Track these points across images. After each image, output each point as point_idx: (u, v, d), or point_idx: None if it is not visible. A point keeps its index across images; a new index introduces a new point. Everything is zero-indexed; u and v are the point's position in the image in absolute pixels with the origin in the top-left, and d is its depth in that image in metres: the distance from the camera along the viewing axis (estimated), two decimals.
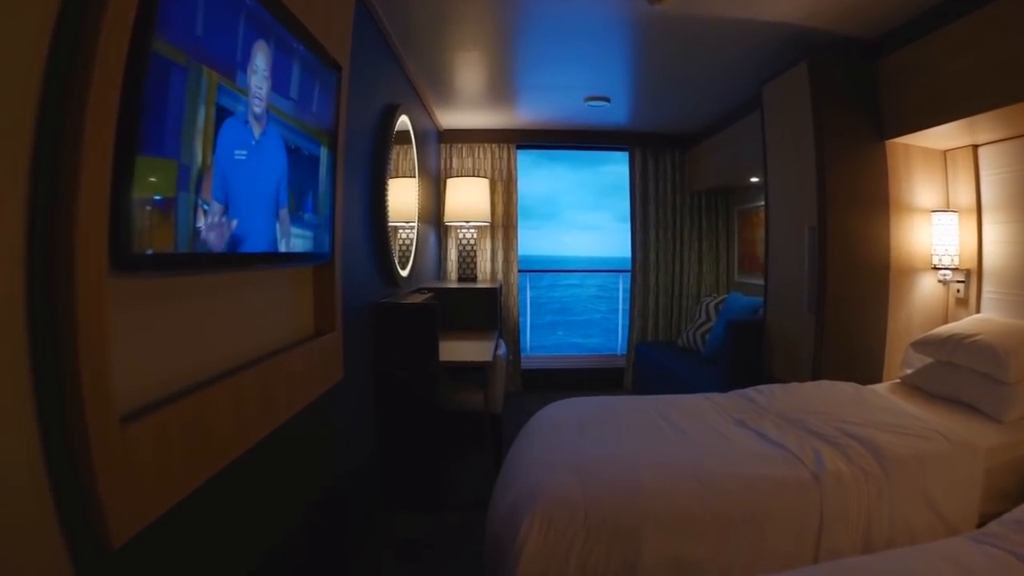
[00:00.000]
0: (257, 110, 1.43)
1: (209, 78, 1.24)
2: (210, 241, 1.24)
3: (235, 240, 1.34)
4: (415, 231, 3.84)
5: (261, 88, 1.44)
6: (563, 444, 1.92)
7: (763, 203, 4.76)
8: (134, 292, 1.11)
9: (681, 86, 4.01)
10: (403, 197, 3.79)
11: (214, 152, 1.26)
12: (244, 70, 1.38)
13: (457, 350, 3.26)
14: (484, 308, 4.03)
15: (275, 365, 1.57)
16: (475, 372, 3.25)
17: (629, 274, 5.67)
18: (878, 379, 2.88)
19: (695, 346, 4.82)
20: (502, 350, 3.45)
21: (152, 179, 1.09)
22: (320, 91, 1.86)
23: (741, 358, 3.44)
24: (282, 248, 1.58)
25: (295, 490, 1.86)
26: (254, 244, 1.43)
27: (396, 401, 2.87)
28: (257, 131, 1.44)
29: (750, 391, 2.47)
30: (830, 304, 2.70)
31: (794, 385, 2.49)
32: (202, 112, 1.22)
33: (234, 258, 1.36)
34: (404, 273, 3.43)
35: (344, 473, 2.46)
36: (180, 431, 1.18)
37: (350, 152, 2.52)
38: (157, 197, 1.11)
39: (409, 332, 2.83)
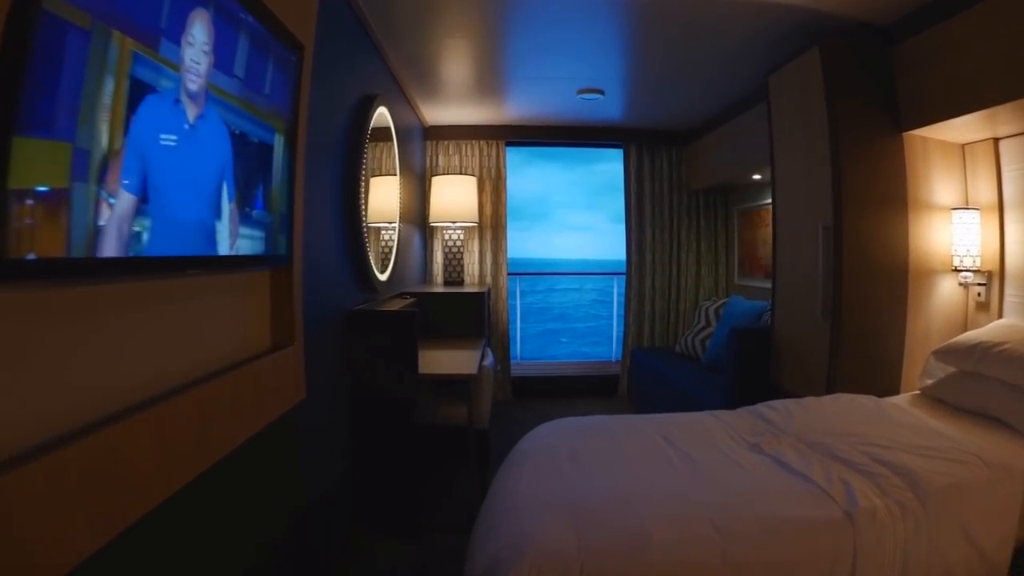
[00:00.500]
0: (192, 87, 1.21)
1: (121, 46, 1.02)
2: (118, 243, 1.02)
3: (156, 242, 1.12)
4: (397, 232, 3.62)
5: (199, 63, 1.22)
6: (554, 478, 1.68)
7: (766, 202, 4.60)
8: (15, 307, 0.89)
9: (679, 77, 3.81)
10: (385, 196, 3.58)
11: (126, 135, 1.04)
12: (176, 41, 1.16)
13: (440, 361, 3.04)
14: (470, 314, 3.82)
15: (216, 389, 1.35)
16: (459, 384, 3.04)
17: (624, 277, 5.47)
18: (896, 390, 2.69)
19: (694, 353, 4.62)
20: (489, 360, 3.24)
21: (36, 166, 0.88)
22: (276, 71, 1.64)
23: (746, 368, 3.24)
24: (224, 251, 1.36)
25: (249, 527, 1.64)
26: (184, 246, 1.21)
27: (372, 417, 2.65)
28: (192, 113, 1.22)
29: (762, 408, 2.26)
30: (847, 310, 2.50)
31: (810, 400, 2.28)
32: (109, 86, 1.00)
33: (153, 263, 1.13)
34: (383, 277, 3.21)
35: (315, 499, 2.25)
36: (80, 478, 0.96)
37: (319, 145, 2.31)
38: (42, 188, 0.89)
39: (386, 342, 2.61)
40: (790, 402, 2.25)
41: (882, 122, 2.62)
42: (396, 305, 3.18)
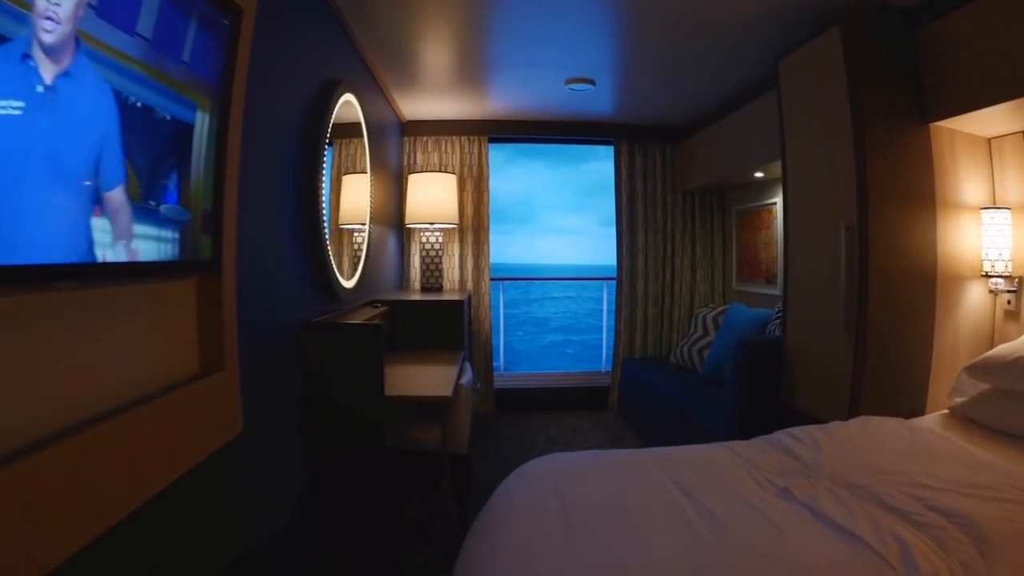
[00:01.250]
0: (49, 39, 0.92)
1: None
2: None
3: None
4: (367, 234, 3.33)
5: (58, 4, 0.93)
6: (540, 550, 1.34)
7: (768, 202, 4.37)
8: None
9: (676, 65, 3.55)
10: (359, 196, 3.30)
11: None
12: None
13: (411, 379, 2.75)
14: (448, 324, 3.53)
15: (102, 436, 1.06)
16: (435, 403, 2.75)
17: (614, 282, 5.20)
18: (921, 410, 2.43)
19: (691, 364, 4.36)
20: (468, 376, 2.96)
21: None
22: (201, 36, 1.35)
23: (754, 383, 2.96)
24: (110, 256, 1.06)
25: None
26: (40, 251, 0.92)
27: (334, 444, 2.36)
28: (50, 72, 0.92)
29: (783, 438, 1.97)
30: (873, 321, 2.25)
31: (836, 426, 2.01)
32: None
33: None
34: (349, 284, 2.92)
35: (262, 541, 1.95)
36: None
37: (269, 132, 2.01)
38: None
39: (347, 359, 2.31)
40: (814, 429, 1.97)
41: (908, 111, 2.37)
42: (363, 315, 2.89)
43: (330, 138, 2.65)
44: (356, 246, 3.29)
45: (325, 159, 2.51)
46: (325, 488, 2.38)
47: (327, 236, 2.54)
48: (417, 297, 3.79)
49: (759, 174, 4.05)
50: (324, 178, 2.50)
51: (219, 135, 1.44)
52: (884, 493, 1.49)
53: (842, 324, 2.35)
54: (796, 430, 1.99)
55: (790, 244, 2.88)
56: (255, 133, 1.84)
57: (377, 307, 3.39)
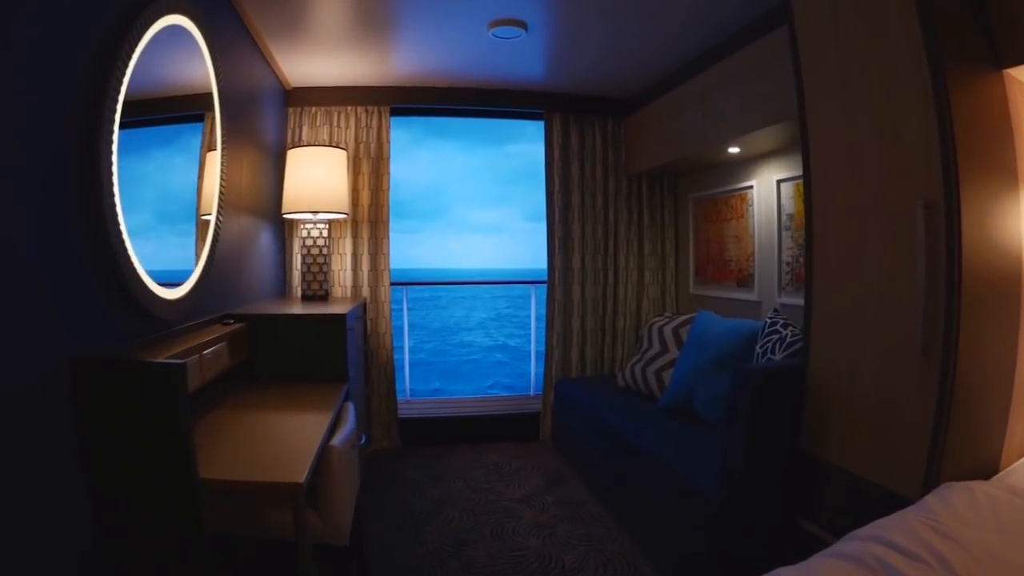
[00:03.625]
0: None
1: None
2: None
3: None
4: (213, 227, 2.45)
5: None
6: None
7: (739, 186, 3.76)
8: None
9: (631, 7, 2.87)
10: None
11: None
12: None
13: (253, 443, 1.89)
14: (329, 346, 2.67)
15: None
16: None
17: (544, 286, 4.49)
18: (996, 460, 1.80)
19: (645, 388, 3.68)
20: (347, 429, 2.11)
21: None
22: None
23: (762, 428, 2.28)
24: None
25: None
26: None
27: (134, 535, 1.50)
28: None
29: (878, 553, 1.24)
30: (964, 340, 1.59)
31: (945, 516, 1.32)
32: None
33: None
34: (173, 294, 2.03)
35: None
36: None
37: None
38: None
39: (138, 416, 1.46)
40: (921, 529, 1.26)
41: (980, 52, 1.74)
42: (194, 339, 2.02)
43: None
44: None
45: (118, 111, 1.63)
46: None
47: (122, 227, 1.66)
48: (287, 310, 2.91)
49: (734, 149, 3.42)
50: (112, 145, 1.62)
51: None
52: None
53: (918, 346, 1.67)
54: (895, 538, 1.25)
55: (815, 235, 2.19)
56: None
57: (229, 323, 2.51)
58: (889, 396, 1.83)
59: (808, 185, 2.25)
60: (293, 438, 1.93)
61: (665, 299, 4.59)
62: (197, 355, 1.97)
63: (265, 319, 2.65)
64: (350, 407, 2.32)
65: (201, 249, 2.36)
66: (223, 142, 2.55)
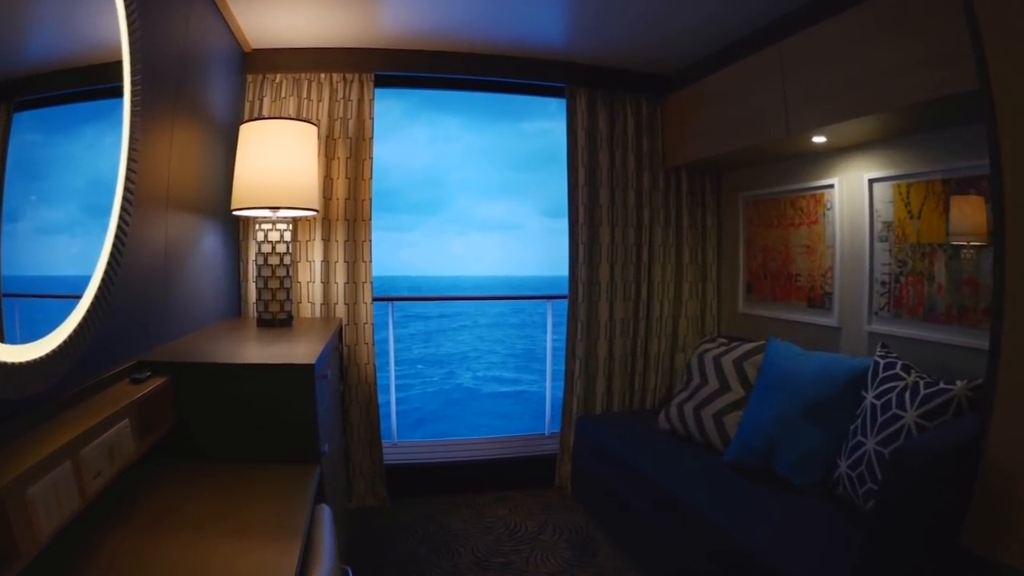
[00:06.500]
0: None
1: None
2: None
3: None
4: (112, 232, 1.67)
5: None
6: None
7: (814, 185, 3.04)
8: None
9: None
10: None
11: None
12: None
13: None
14: (290, 405, 1.85)
15: None
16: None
17: (565, 301, 3.74)
18: None
19: (701, 436, 2.95)
20: (325, 562, 1.33)
21: None
22: None
23: (910, 519, 1.68)
24: None
25: None
26: None
27: None
28: None
29: None
30: None
31: None
32: None
33: None
34: (32, 353, 1.24)
35: None
36: None
37: None
38: None
39: None
40: None
41: None
42: (50, 439, 1.22)
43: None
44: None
45: None
46: None
47: None
48: (233, 351, 2.11)
49: (819, 139, 2.72)
50: None
51: None
52: None
53: None
54: None
55: (1008, 254, 1.52)
56: None
57: (141, 379, 1.72)
58: None
59: (999, 187, 1.59)
60: None
61: (705, 318, 3.86)
62: (67, 461, 1.19)
63: (197, 369, 1.85)
64: (325, 520, 1.54)
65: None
66: (133, 113, 1.75)
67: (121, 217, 1.70)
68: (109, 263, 1.63)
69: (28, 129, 1.30)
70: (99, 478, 1.34)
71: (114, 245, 1.66)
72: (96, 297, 1.56)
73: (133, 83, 1.74)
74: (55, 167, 1.45)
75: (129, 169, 1.74)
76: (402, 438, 4.04)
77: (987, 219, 2.28)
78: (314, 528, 1.46)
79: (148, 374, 1.76)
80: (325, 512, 1.57)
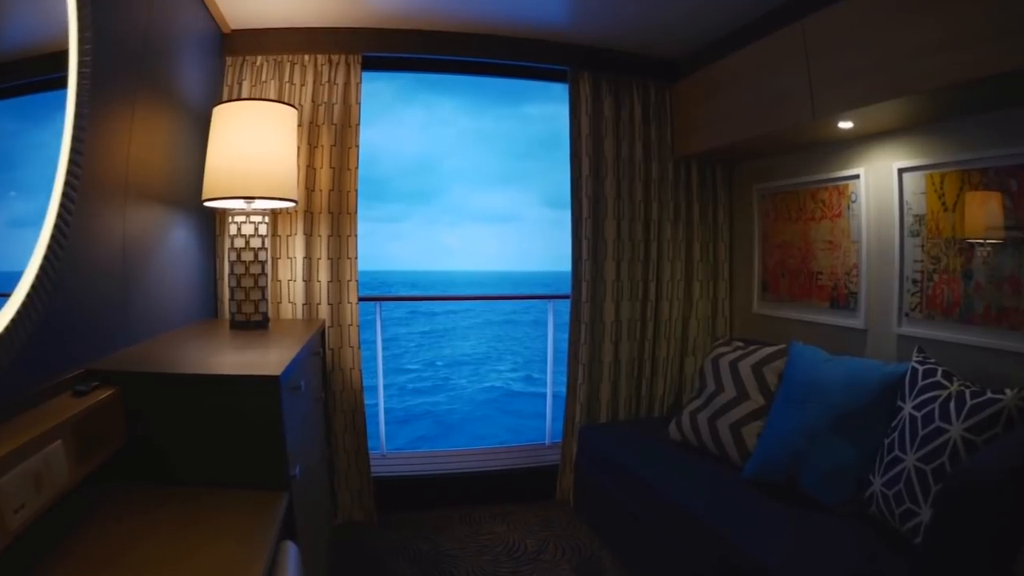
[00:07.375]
0: None
1: None
2: None
3: None
4: (52, 228, 1.46)
5: None
6: None
7: (838, 175, 2.82)
8: None
9: None
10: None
11: None
12: None
13: None
14: (254, 423, 1.63)
15: None
16: None
17: (567, 301, 3.53)
18: None
19: (717, 448, 2.74)
20: None
21: None
22: None
23: (963, 551, 1.51)
24: None
25: None
26: None
27: None
28: None
29: None
30: None
31: None
32: None
33: None
34: None
35: None
36: None
37: None
38: None
39: None
40: None
41: None
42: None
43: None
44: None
45: None
46: None
47: None
48: (193, 360, 1.89)
49: (846, 124, 2.52)
50: None
51: None
52: None
53: None
54: None
55: None
56: None
57: (85, 392, 1.51)
58: None
59: None
60: None
61: (716, 319, 3.66)
62: None
63: (147, 381, 1.64)
64: (290, 563, 1.32)
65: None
66: (81, 88, 1.54)
67: (63, 204, 1.48)
68: (46, 257, 1.41)
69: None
70: (23, 511, 1.13)
71: (53, 237, 1.44)
72: (28, 296, 1.34)
73: (81, 52, 1.53)
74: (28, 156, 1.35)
75: (73, 150, 1.52)
76: (393, 449, 3.83)
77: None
78: (276, 573, 1.25)
79: (95, 385, 1.55)
80: (291, 552, 1.36)
